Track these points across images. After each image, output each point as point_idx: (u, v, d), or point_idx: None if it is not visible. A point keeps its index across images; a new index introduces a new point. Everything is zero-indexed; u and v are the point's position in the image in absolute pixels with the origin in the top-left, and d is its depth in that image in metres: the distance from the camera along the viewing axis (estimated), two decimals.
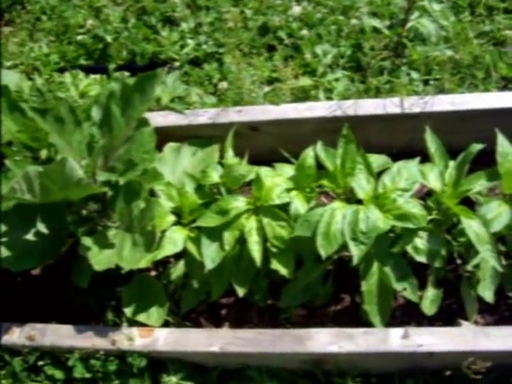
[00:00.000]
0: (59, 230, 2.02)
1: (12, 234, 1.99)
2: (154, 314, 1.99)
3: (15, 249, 1.97)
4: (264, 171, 1.92)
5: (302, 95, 2.29)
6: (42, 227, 2.00)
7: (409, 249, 1.83)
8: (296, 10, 2.64)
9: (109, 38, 2.72)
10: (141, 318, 1.99)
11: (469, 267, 1.87)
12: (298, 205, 1.88)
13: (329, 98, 2.28)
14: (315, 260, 1.94)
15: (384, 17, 2.56)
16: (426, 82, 2.28)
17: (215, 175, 1.97)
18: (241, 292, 1.94)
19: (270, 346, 1.82)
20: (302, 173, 1.91)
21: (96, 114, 1.86)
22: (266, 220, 1.87)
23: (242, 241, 1.90)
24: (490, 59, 2.32)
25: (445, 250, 1.83)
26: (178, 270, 2.04)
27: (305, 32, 2.56)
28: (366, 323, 1.92)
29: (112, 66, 2.64)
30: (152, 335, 1.90)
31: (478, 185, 1.87)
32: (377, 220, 1.76)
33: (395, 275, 1.85)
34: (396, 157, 2.02)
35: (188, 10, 2.79)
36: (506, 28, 2.49)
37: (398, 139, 2.18)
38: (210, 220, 1.87)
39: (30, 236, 1.99)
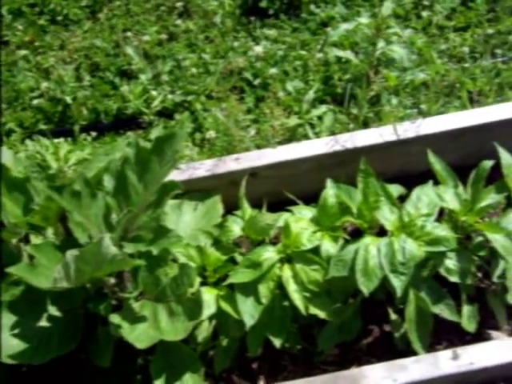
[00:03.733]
0: (73, 310, 1.89)
1: (23, 323, 1.84)
2: (189, 382, 1.89)
3: (31, 339, 1.82)
4: (287, 217, 1.89)
5: (289, 134, 2.28)
6: (53, 310, 1.84)
7: (442, 271, 1.86)
8: (257, 49, 2.64)
9: (68, 99, 2.60)
10: None
11: (494, 278, 1.92)
12: (328, 246, 1.86)
13: (316, 134, 2.29)
14: (347, 298, 1.94)
15: (344, 47, 2.62)
16: (405, 106, 2.34)
17: (236, 228, 1.91)
18: (277, 343, 1.89)
19: None
20: (324, 213, 1.90)
21: (108, 182, 1.76)
22: (298, 266, 1.84)
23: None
24: (455, 76, 2.43)
25: (473, 266, 1.89)
26: (204, 331, 1.95)
27: (273, 70, 2.56)
28: (401, 351, 1.94)
29: (77, 128, 2.52)
30: None
31: (490, 199, 1.94)
32: (413, 249, 1.78)
33: (431, 299, 1.87)
34: (390, 181, 2.06)
35: (144, 62, 2.72)
36: (460, 45, 2.62)
37: (392, 165, 2.22)
38: (243, 275, 1.81)
39: (43, 322, 1.84)
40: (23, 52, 2.88)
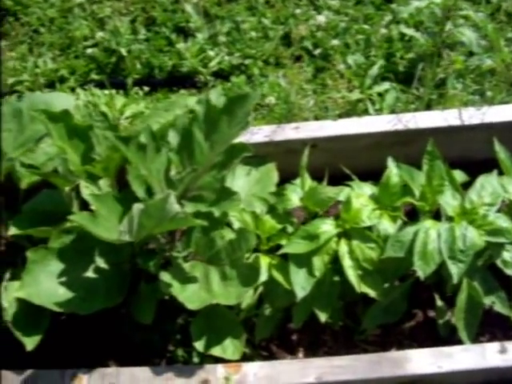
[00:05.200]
0: (119, 264, 1.88)
1: (70, 272, 1.82)
2: (230, 347, 1.86)
3: (77, 289, 1.80)
4: (348, 192, 1.86)
5: (349, 108, 2.24)
6: (100, 262, 1.83)
7: (498, 262, 1.83)
8: (320, 18, 2.58)
9: (123, 51, 2.55)
10: (215, 351, 1.85)
11: None
12: (387, 225, 1.83)
13: (376, 111, 2.25)
14: (396, 279, 1.91)
15: (409, 25, 2.56)
16: (469, 92, 2.29)
17: (295, 198, 1.88)
18: (323, 317, 1.87)
19: (368, 371, 1.76)
20: (386, 192, 1.87)
21: (173, 138, 1.73)
22: (355, 242, 1.81)
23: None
24: None
25: None
26: (249, 298, 1.93)
27: (335, 42, 2.51)
28: (443, 338, 1.92)
29: (130, 80, 2.48)
30: (240, 371, 1.79)
31: None
32: (474, 237, 1.74)
33: (483, 289, 1.84)
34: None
35: (202, 20, 2.67)
36: None
37: (452, 150, 2.16)
38: (298, 246, 1.79)
39: (90, 273, 1.83)
40: (79, 0, 2.84)
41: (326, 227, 1.80)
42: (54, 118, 1.75)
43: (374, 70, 2.31)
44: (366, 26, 2.60)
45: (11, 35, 2.74)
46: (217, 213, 1.64)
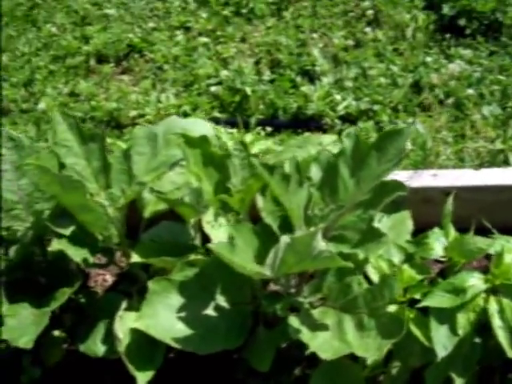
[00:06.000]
0: (241, 304, 1.77)
1: (190, 308, 1.72)
2: None
3: (197, 327, 1.69)
4: (502, 244, 1.69)
5: (487, 158, 2.10)
6: (221, 300, 1.73)
7: None
8: (454, 67, 2.49)
9: (248, 90, 2.52)
10: None
11: None
12: None
13: None
14: None
15: None
16: None
17: (438, 247, 1.74)
18: (459, 382, 1.68)
19: None
20: None
21: (316, 173, 1.63)
22: (505, 301, 1.63)
23: None
24: None
25: None
26: None
27: (469, 91, 2.39)
28: None
29: (253, 120, 2.44)
30: None
31: None
32: None
33: None
34: None
35: (329, 64, 2.62)
36: None
37: None
38: (442, 300, 1.62)
39: (210, 311, 1.72)
40: (204, 39, 2.88)
41: (474, 281, 1.64)
42: (192, 143, 1.69)
43: None
44: (501, 77, 2.49)
45: (135, 70, 2.78)
46: (361, 255, 1.51)
